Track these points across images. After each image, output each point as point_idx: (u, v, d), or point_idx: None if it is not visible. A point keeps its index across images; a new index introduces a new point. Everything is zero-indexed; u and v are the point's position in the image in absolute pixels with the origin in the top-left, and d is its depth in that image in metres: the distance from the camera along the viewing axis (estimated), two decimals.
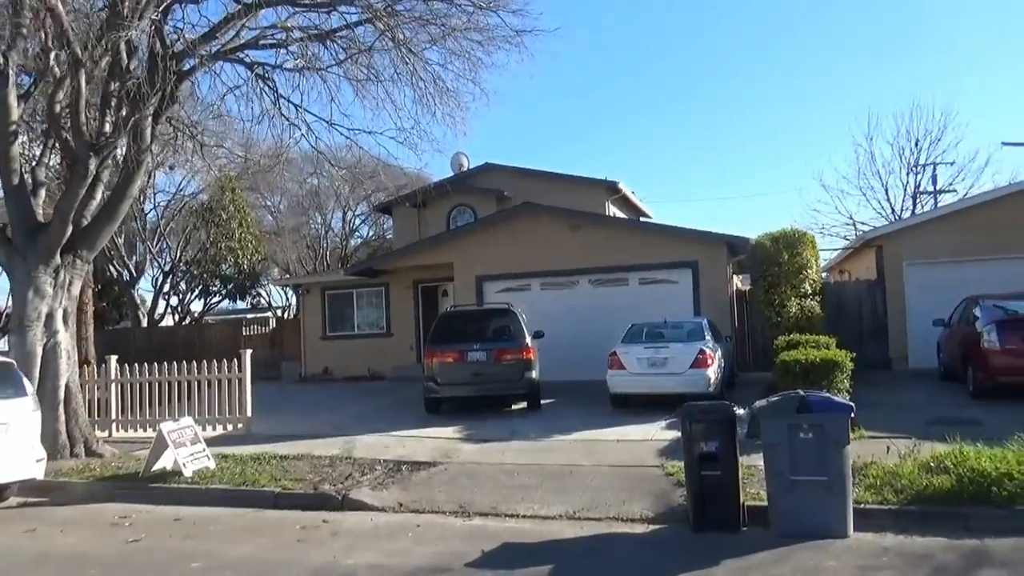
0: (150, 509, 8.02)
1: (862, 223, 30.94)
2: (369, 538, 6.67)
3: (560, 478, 8.18)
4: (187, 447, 8.93)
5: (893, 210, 31.34)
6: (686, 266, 16.97)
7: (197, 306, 34.60)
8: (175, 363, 12.20)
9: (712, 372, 11.84)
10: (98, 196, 10.86)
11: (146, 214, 27.97)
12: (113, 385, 12.43)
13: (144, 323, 28.81)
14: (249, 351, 12.04)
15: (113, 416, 12.37)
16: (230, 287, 27.22)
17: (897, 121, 44.95)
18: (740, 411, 6.32)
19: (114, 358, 12.77)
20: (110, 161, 10.80)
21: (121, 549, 6.66)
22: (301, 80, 10.93)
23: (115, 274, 29.20)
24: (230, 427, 11.92)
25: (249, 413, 11.87)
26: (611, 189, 23.06)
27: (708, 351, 11.98)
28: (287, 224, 39.23)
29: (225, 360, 12.02)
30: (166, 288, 31.08)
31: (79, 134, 9.93)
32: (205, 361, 12.11)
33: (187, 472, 8.68)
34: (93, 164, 10.12)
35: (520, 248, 18.15)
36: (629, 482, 7.87)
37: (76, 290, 10.71)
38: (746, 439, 6.88)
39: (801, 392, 6.26)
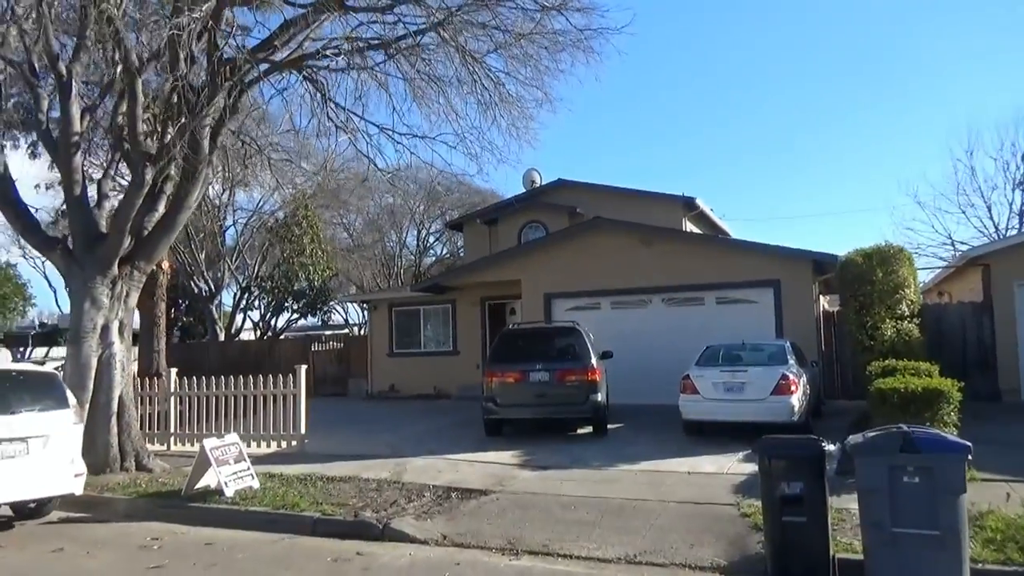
0: (185, 531, 7.65)
1: (962, 243, 28.80)
2: None
3: (622, 514, 7.37)
4: (230, 465, 8.57)
5: (997, 229, 29.07)
6: (767, 285, 15.88)
7: (279, 323, 35.41)
8: (231, 377, 12.00)
9: (796, 399, 10.77)
10: (160, 208, 10.80)
11: (224, 230, 28.56)
12: (173, 399, 12.33)
13: (222, 337, 29.45)
14: (304, 367, 11.71)
15: (172, 430, 12.26)
16: (302, 303, 27.39)
17: (1001, 133, 42.16)
18: (830, 447, 5.42)
19: (174, 371, 12.71)
20: (173, 172, 10.71)
21: None
22: (358, 85, 10.55)
23: (196, 289, 30.00)
24: (284, 444, 11.60)
25: (303, 430, 11.52)
26: (688, 205, 22.08)
27: (791, 376, 10.91)
28: (363, 241, 39.70)
29: (280, 375, 11.73)
30: (243, 304, 31.80)
31: (136, 144, 9.85)
32: (261, 376, 11.85)
33: (228, 492, 8.30)
34: (149, 174, 10.03)
35: (590, 265, 17.44)
36: (699, 523, 6.99)
37: (133, 302, 10.61)
38: (835, 475, 5.94)
39: (904, 427, 5.30)
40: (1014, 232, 27.26)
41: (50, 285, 43.36)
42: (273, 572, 6.27)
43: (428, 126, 11.73)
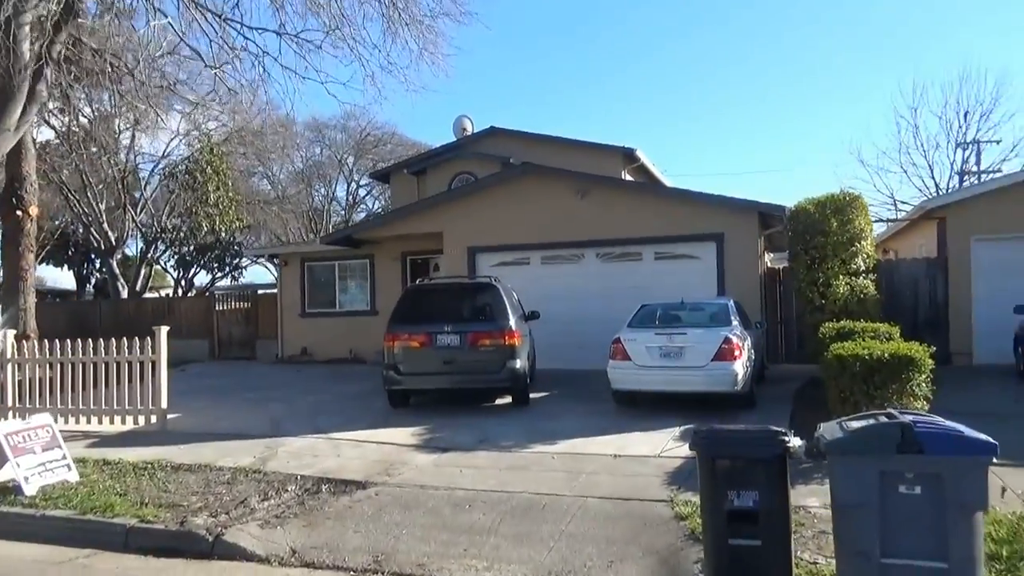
0: None
1: (904, 202, 28.21)
2: None
3: (527, 515, 5.82)
4: (35, 455, 6.70)
5: (938, 188, 28.54)
6: (710, 239, 14.50)
7: (202, 280, 32.72)
8: (79, 342, 9.98)
9: (740, 366, 9.40)
10: None
11: (124, 177, 25.74)
12: (9, 366, 10.25)
13: (124, 294, 26.88)
14: (165, 328, 9.78)
15: (9, 403, 10.21)
16: (209, 256, 24.99)
17: (945, 91, 41.88)
18: (794, 442, 3.91)
19: (11, 333, 10.59)
20: None
21: None
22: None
23: (97, 243, 27.24)
24: (142, 421, 9.70)
25: (164, 404, 9.64)
26: (628, 157, 20.55)
27: (735, 340, 9.52)
28: (287, 194, 37.14)
29: (137, 339, 9.78)
30: (149, 259, 29.15)
31: None
32: (114, 340, 9.86)
33: (28, 489, 6.46)
34: None
35: (519, 216, 15.78)
36: (623, 528, 5.49)
37: None
38: (804, 457, 4.46)
39: (897, 413, 3.82)
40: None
41: None
42: None
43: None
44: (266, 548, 5.37)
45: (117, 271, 27.16)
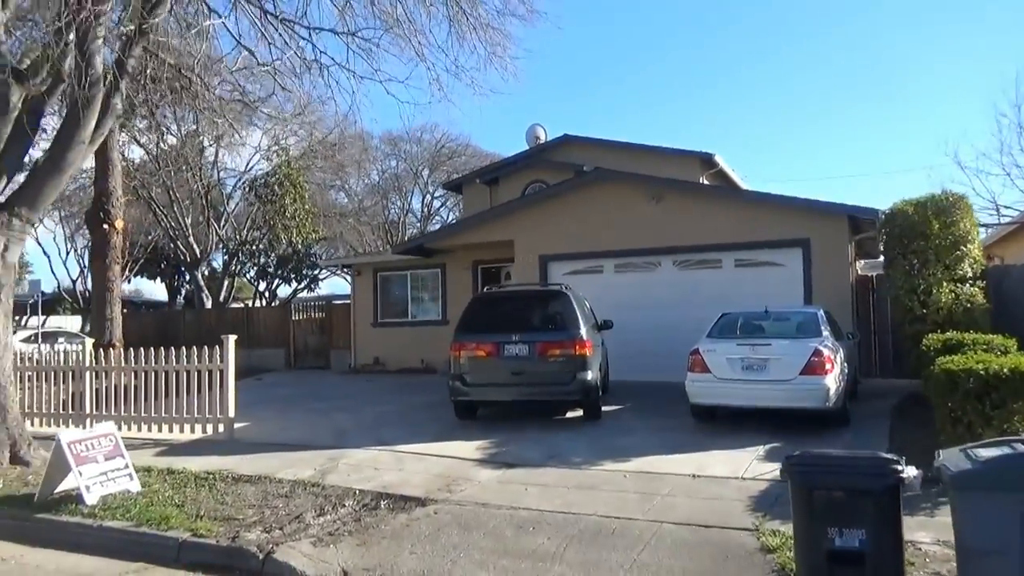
0: (21, 555, 5.76)
1: (1007, 207, 26.17)
2: None
3: (595, 542, 5.33)
4: (98, 463, 6.64)
5: None
6: (795, 245, 13.65)
7: (282, 291, 33.46)
8: (151, 351, 10.07)
9: (832, 380, 8.63)
10: (42, 143, 8.83)
11: (208, 191, 26.58)
12: (88, 374, 10.45)
13: (208, 305, 27.70)
14: (233, 337, 9.72)
15: (87, 411, 10.40)
16: (287, 268, 25.45)
17: None
18: (910, 472, 3.30)
19: (89, 341, 10.81)
20: (56, 99, 8.72)
21: None
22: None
23: (184, 256, 28.21)
24: (209, 429, 9.68)
25: (231, 413, 9.58)
26: (706, 163, 19.73)
27: (826, 352, 8.76)
28: (364, 206, 37.73)
29: (206, 348, 9.78)
30: (233, 270, 30.02)
31: None
32: (184, 349, 9.90)
33: (89, 499, 6.38)
34: (16, 95, 8.00)
35: (592, 223, 15.30)
36: (702, 559, 4.94)
37: (13, 257, 8.64)
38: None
39: None
40: None
41: (44, 252, 41.85)
42: None
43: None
44: (316, 568, 5.07)
45: (202, 283, 28.04)
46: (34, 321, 30.60)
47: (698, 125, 66.69)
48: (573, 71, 71.41)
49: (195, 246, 27.76)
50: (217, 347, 9.69)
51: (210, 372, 9.65)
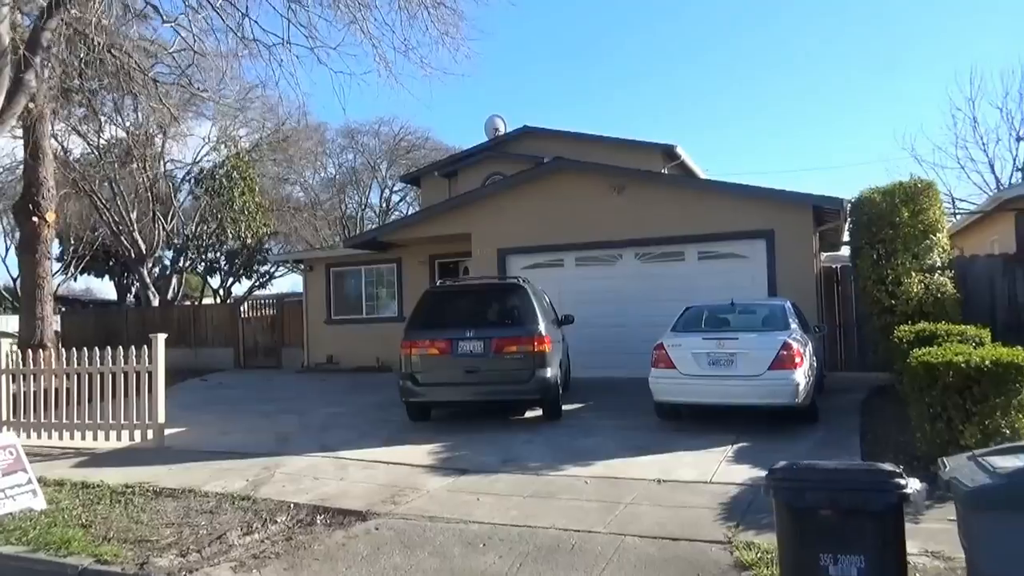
0: None
1: (961, 199, 26.42)
2: None
3: (552, 559, 4.79)
4: None
5: (999, 184, 26.68)
6: (759, 236, 13.29)
7: (240, 289, 32.32)
8: (74, 351, 9.25)
9: (801, 375, 8.22)
10: None
11: (153, 184, 25.41)
12: (2, 378, 9.58)
13: (156, 303, 26.53)
14: (162, 336, 8.96)
15: (3, 417, 9.53)
16: (237, 264, 24.45)
17: (1006, 80, 39.59)
18: (914, 486, 2.80)
19: (6, 342, 9.91)
20: None
21: None
22: None
23: (128, 252, 26.97)
24: (138, 436, 8.90)
25: (161, 419, 8.82)
26: (668, 154, 19.43)
27: (796, 345, 8.35)
28: (319, 200, 36.76)
29: (133, 348, 9.00)
30: (180, 266, 28.86)
31: None
32: (110, 349, 9.09)
33: None
34: None
35: (552, 215, 14.77)
36: None
37: None
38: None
39: None
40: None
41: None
42: None
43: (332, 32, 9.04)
44: None
45: (148, 280, 26.84)
46: None
47: (658, 118, 66.73)
48: (533, 63, 70.91)
49: (140, 242, 26.56)
50: (145, 347, 8.92)
51: (138, 374, 8.88)
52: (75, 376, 9.23)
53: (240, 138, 26.66)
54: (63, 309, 27.34)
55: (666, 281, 13.77)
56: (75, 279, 38.30)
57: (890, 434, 7.83)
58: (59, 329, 23.34)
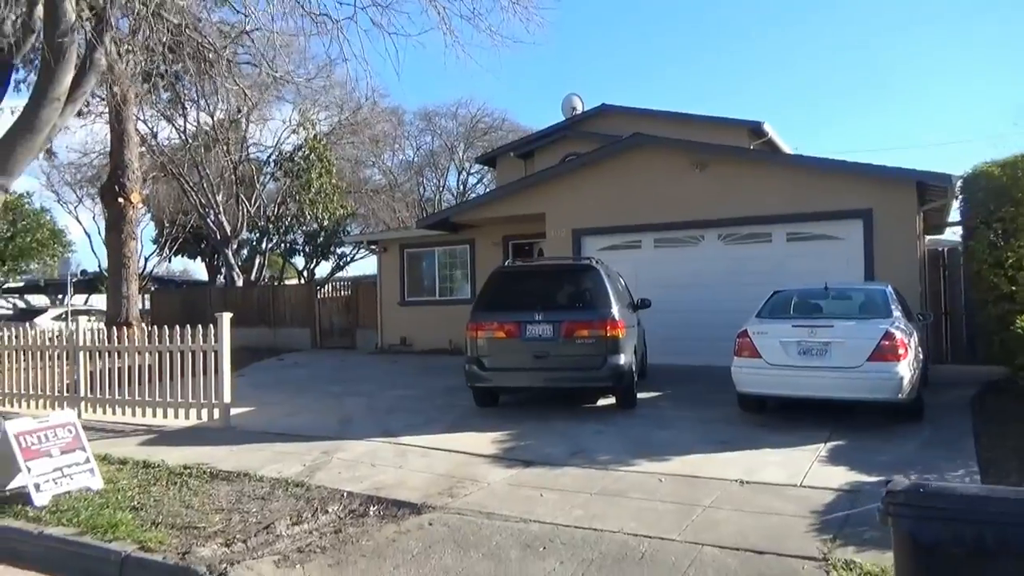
0: None
1: None
2: None
3: (618, 571, 4.28)
4: (52, 458, 5.82)
5: None
6: (855, 216, 12.27)
7: (323, 271, 32.89)
8: (167, 329, 9.26)
9: (905, 368, 7.39)
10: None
11: (237, 166, 25.96)
12: (81, 355, 9.73)
13: (240, 283, 27.23)
14: (228, 314, 8.86)
15: (81, 393, 9.70)
16: (315, 245, 24.70)
17: None
18: None
19: (84, 320, 10.07)
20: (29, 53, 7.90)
21: None
22: None
23: (216, 233, 27.74)
24: (204, 415, 8.86)
25: (227, 398, 8.73)
26: (755, 132, 18.41)
27: (899, 334, 7.50)
28: (398, 182, 36.94)
29: (200, 327, 8.94)
30: (264, 248, 29.51)
31: None
32: (177, 328, 9.07)
33: (39, 499, 5.57)
34: None
35: (629, 194, 14.12)
36: None
37: None
38: None
39: None
40: None
41: (85, 231, 42.13)
42: None
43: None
44: None
45: (232, 260, 27.54)
46: (77, 300, 30.77)
47: (744, 97, 64.12)
48: (613, 40, 69.23)
49: (225, 224, 27.24)
50: (212, 326, 8.84)
51: (205, 353, 8.82)
52: (147, 354, 9.28)
53: (319, 121, 26.91)
54: (153, 288, 28.44)
55: (751, 264, 12.96)
56: (170, 260, 39.94)
57: (1011, 437, 6.93)
58: (148, 307, 24.26)
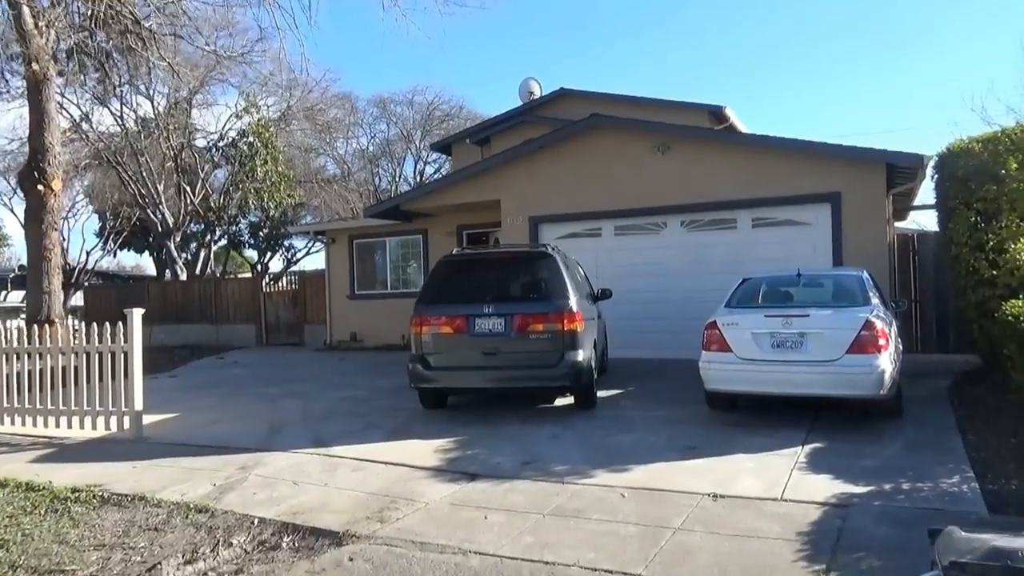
0: None
1: None
2: None
3: None
4: None
5: None
6: (823, 200, 11.75)
7: (277, 265, 31.46)
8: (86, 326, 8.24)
9: (887, 360, 6.75)
10: None
11: (177, 155, 24.58)
12: None
13: (183, 277, 25.89)
14: (139, 310, 7.85)
15: None
16: (260, 237, 23.53)
17: None
18: None
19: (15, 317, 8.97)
20: None
21: None
22: None
23: (153, 226, 26.32)
24: (114, 425, 7.86)
25: (137, 406, 7.74)
26: (716, 116, 17.88)
27: (879, 324, 6.87)
28: (351, 172, 35.74)
29: (107, 325, 7.94)
30: (208, 240, 28.15)
31: None
32: (83, 326, 8.06)
33: None
34: None
35: (588, 180, 13.43)
36: None
37: None
38: None
39: None
40: None
41: (22, 225, 39.96)
42: None
43: None
44: None
45: (175, 254, 26.18)
46: (14, 297, 29.02)
47: (705, 81, 63.92)
48: (572, 24, 68.45)
49: (167, 215, 25.86)
50: (120, 324, 7.85)
51: (113, 355, 7.82)
52: (59, 356, 8.24)
53: (268, 107, 25.68)
54: (87, 284, 26.90)
55: (716, 251, 12.39)
56: (114, 254, 38.08)
57: (999, 434, 6.35)
58: (82, 304, 22.87)
